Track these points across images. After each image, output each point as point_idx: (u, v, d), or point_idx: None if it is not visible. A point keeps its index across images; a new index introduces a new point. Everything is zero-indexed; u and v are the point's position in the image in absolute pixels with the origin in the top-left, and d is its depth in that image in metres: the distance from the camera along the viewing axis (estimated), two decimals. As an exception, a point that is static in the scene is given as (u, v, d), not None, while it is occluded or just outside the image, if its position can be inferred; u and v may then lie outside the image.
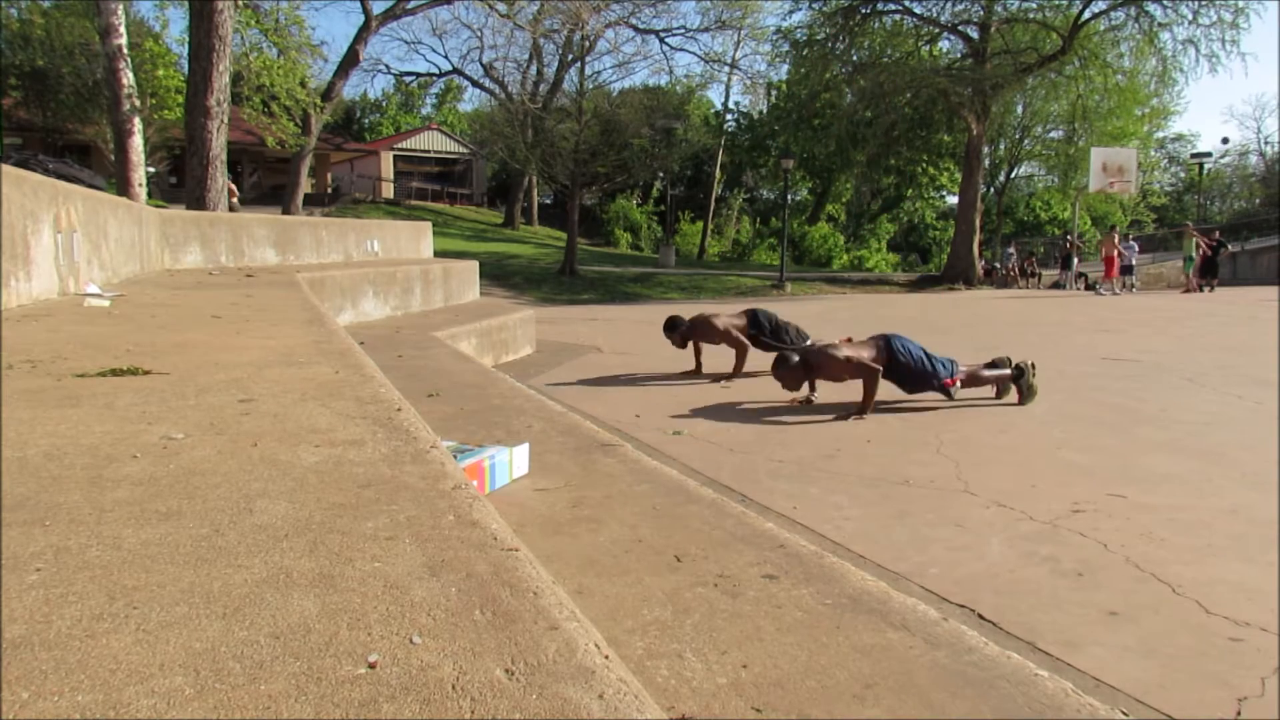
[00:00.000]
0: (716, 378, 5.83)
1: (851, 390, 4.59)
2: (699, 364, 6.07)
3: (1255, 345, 8.06)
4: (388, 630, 0.76)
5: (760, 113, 37.08)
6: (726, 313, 6.17)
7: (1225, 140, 38.60)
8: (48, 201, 3.24)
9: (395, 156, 40.42)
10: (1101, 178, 23.62)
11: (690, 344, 6.07)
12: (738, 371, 5.83)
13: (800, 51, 25.86)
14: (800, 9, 25.03)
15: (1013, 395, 4.88)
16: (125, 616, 0.77)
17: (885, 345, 4.64)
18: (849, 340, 4.73)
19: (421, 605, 0.81)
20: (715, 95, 63.87)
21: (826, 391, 4.94)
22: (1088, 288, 22.92)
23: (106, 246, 4.14)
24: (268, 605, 0.80)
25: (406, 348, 4.46)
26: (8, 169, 2.85)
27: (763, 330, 5.98)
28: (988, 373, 4.83)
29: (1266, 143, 48.77)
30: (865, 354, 4.60)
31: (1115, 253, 19.23)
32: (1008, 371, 4.83)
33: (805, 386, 4.83)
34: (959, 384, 4.68)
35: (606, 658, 0.75)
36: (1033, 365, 4.86)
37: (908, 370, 4.60)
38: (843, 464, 3.48)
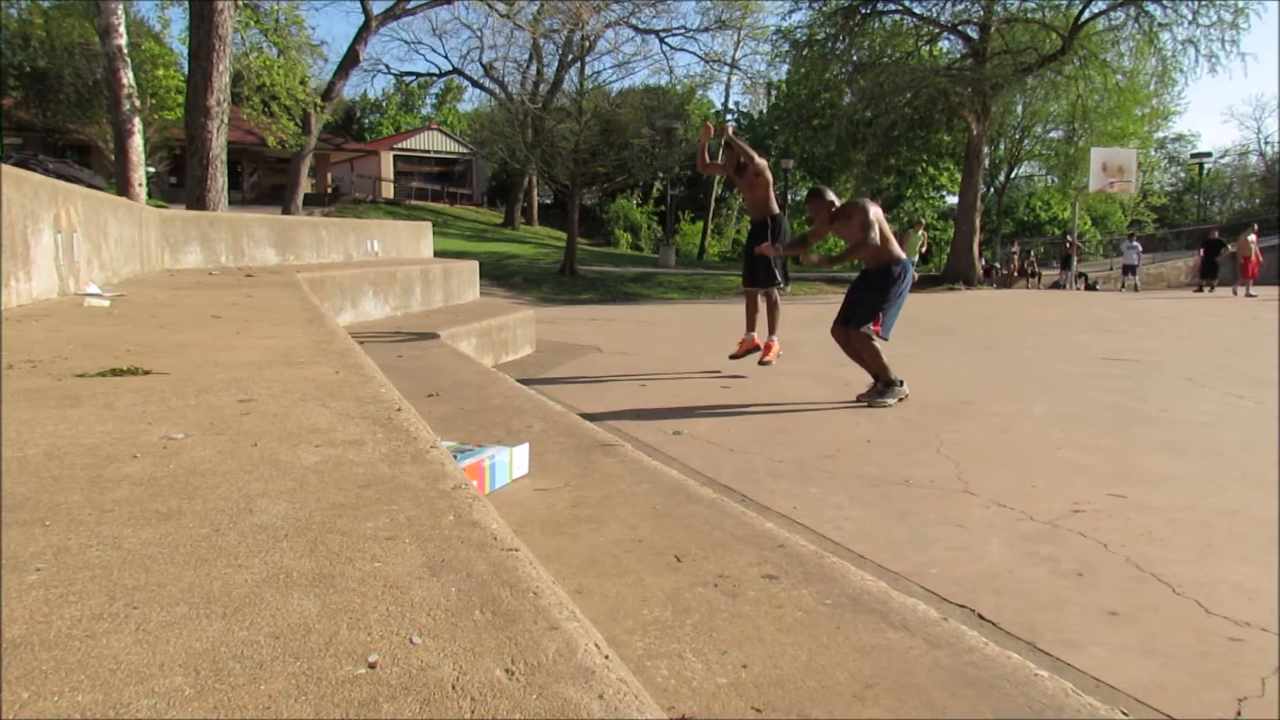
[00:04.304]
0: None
1: (843, 389, 4.58)
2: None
3: (1255, 345, 8.06)
4: (388, 630, 0.76)
5: (760, 113, 37.07)
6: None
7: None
8: (48, 201, 3.24)
9: (395, 156, 40.43)
10: (1101, 178, 23.62)
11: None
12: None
13: (800, 51, 25.87)
14: (800, 9, 25.07)
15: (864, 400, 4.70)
16: (125, 616, 0.77)
17: (901, 261, 4.78)
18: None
19: (421, 605, 0.81)
20: (715, 95, 63.89)
21: (820, 392, 4.94)
22: (1088, 287, 22.93)
23: (106, 246, 4.14)
24: (268, 605, 0.80)
25: (406, 348, 4.46)
26: (8, 169, 2.85)
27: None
28: (875, 363, 4.72)
29: (1266, 143, 48.80)
30: (887, 238, 4.75)
31: (1253, 253, 18.44)
32: (890, 376, 4.68)
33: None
34: (881, 334, 4.79)
35: (606, 658, 0.75)
36: (905, 395, 4.71)
37: (882, 289, 4.74)
38: (843, 464, 3.48)
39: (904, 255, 4.84)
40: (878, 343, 4.73)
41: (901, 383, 4.71)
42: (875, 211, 4.74)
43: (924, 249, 18.78)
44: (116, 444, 1.32)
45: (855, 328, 4.73)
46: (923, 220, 21.98)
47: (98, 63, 17.57)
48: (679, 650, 1.18)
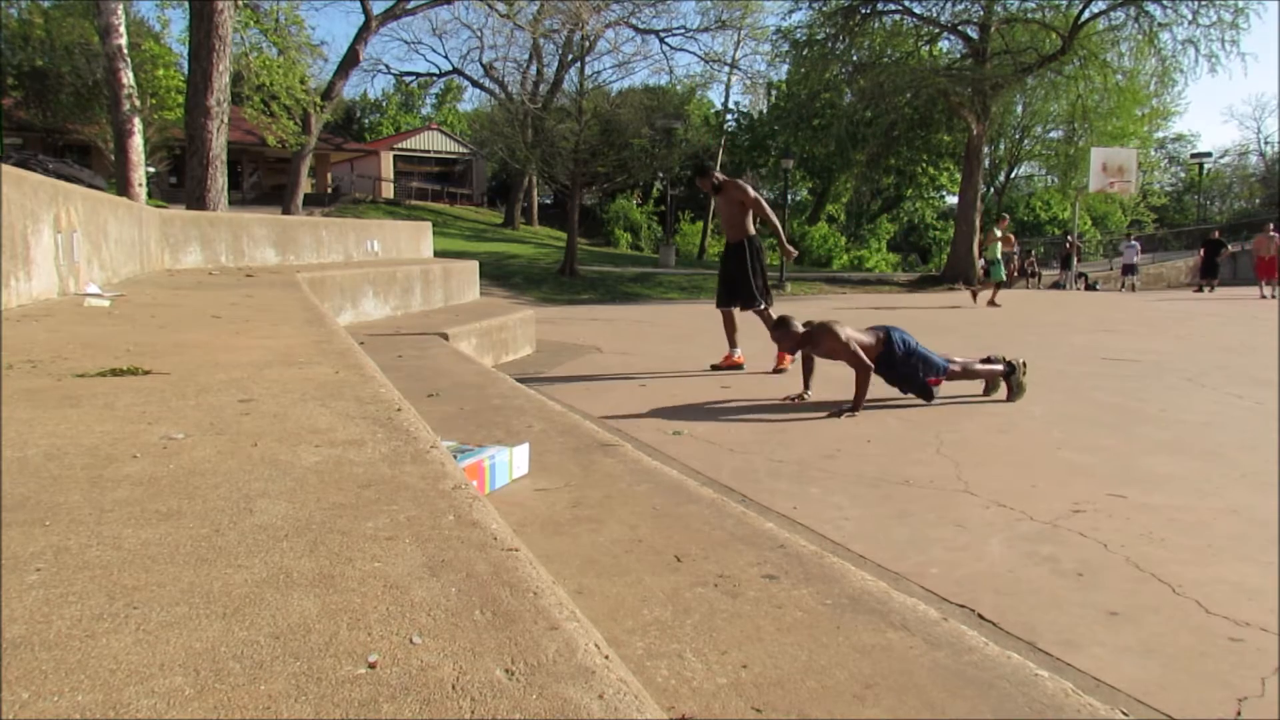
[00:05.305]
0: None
1: (845, 388, 4.59)
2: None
3: (1255, 345, 8.06)
4: (388, 630, 0.76)
5: (760, 113, 37.09)
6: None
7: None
8: (48, 201, 3.24)
9: (395, 156, 40.46)
10: (1101, 178, 23.65)
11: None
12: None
13: (800, 51, 25.88)
14: (800, 9, 25.07)
15: (1002, 392, 4.92)
16: (125, 616, 0.77)
17: (885, 336, 4.72)
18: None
19: (421, 605, 0.81)
20: (715, 95, 63.94)
21: (820, 389, 4.94)
22: (1088, 288, 22.95)
23: (106, 246, 4.14)
24: (268, 605, 0.80)
25: (406, 348, 4.46)
26: (8, 169, 2.85)
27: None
28: (981, 366, 4.90)
29: (1266, 143, 48.86)
30: (865, 339, 4.70)
31: (1272, 251, 17.38)
32: (999, 367, 4.89)
33: (802, 384, 4.90)
34: (942, 382, 4.76)
35: (606, 658, 0.75)
36: (1024, 364, 4.91)
37: (900, 364, 4.68)
38: (843, 464, 3.48)
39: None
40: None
41: (1006, 360, 4.91)
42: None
43: (1012, 249, 15.20)
44: (116, 444, 1.32)
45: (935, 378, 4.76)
46: (1006, 216, 17.93)
47: (98, 63, 17.58)
48: (679, 650, 1.18)
